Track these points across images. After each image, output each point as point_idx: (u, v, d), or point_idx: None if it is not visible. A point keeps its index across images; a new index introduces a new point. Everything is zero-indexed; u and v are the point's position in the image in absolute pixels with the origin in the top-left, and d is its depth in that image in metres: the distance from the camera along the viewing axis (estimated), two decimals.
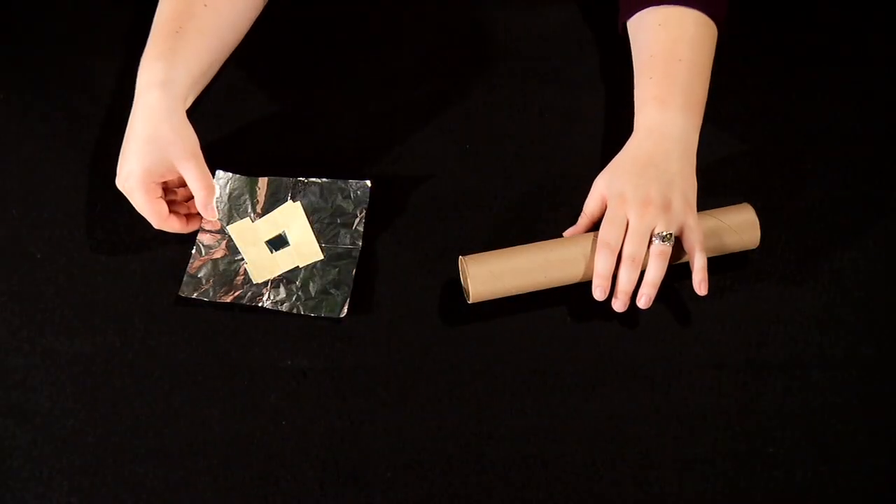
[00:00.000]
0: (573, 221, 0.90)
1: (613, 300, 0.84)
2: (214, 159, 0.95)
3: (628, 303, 0.84)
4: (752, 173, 0.95)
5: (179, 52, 0.85)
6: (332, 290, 0.86)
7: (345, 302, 0.86)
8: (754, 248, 0.88)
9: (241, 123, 0.98)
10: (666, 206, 0.83)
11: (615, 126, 0.96)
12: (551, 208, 0.93)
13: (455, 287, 0.88)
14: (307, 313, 0.85)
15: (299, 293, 0.86)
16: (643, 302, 0.83)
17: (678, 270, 0.88)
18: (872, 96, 1.01)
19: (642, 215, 0.83)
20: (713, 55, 0.91)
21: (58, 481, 0.79)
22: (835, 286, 0.89)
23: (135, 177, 0.83)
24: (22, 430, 0.81)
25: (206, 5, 0.87)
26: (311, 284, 0.86)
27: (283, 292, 0.86)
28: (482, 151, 0.97)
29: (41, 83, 1.01)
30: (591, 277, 0.84)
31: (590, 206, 0.88)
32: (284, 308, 0.85)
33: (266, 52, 1.03)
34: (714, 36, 0.91)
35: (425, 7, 1.07)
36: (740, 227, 0.87)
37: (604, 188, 0.86)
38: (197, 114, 0.92)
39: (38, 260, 0.90)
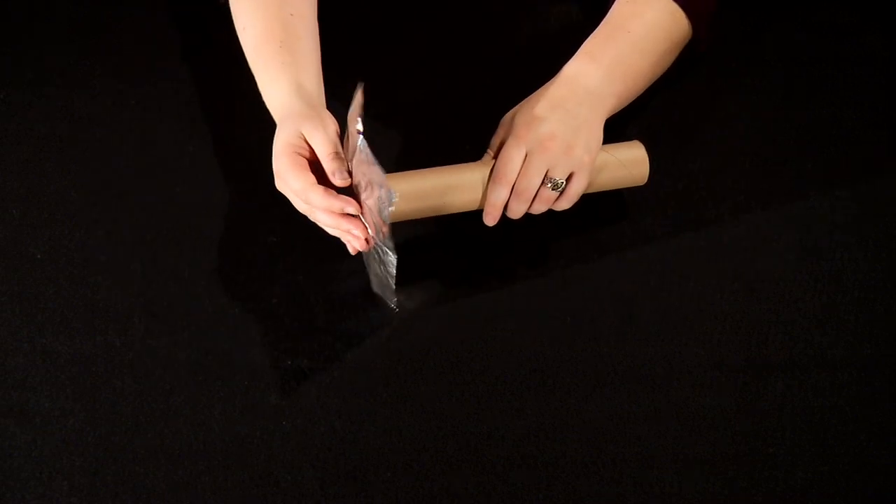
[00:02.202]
0: (575, 222, 0.90)
1: (486, 217, 0.84)
2: (214, 158, 0.96)
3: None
4: (753, 173, 0.95)
5: (293, 63, 0.85)
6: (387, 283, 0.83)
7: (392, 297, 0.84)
8: (643, 184, 0.89)
9: (243, 123, 0.98)
10: (568, 149, 0.82)
11: (615, 126, 0.96)
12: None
13: (455, 287, 0.88)
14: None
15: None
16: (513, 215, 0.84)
17: (678, 270, 0.88)
18: (872, 96, 1.01)
19: (543, 151, 0.81)
20: (670, 45, 0.91)
21: (58, 481, 0.79)
22: (835, 286, 0.89)
23: (276, 152, 0.80)
24: (22, 430, 0.81)
25: (292, 14, 0.88)
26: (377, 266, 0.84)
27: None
28: (482, 152, 0.97)
29: (41, 83, 1.01)
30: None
31: (495, 144, 0.87)
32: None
33: None
34: (679, 29, 0.91)
35: (426, 6, 1.07)
36: (630, 162, 0.87)
37: (508, 123, 0.86)
38: (199, 114, 0.92)
39: (38, 260, 0.90)
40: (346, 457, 0.80)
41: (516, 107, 0.87)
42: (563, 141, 0.82)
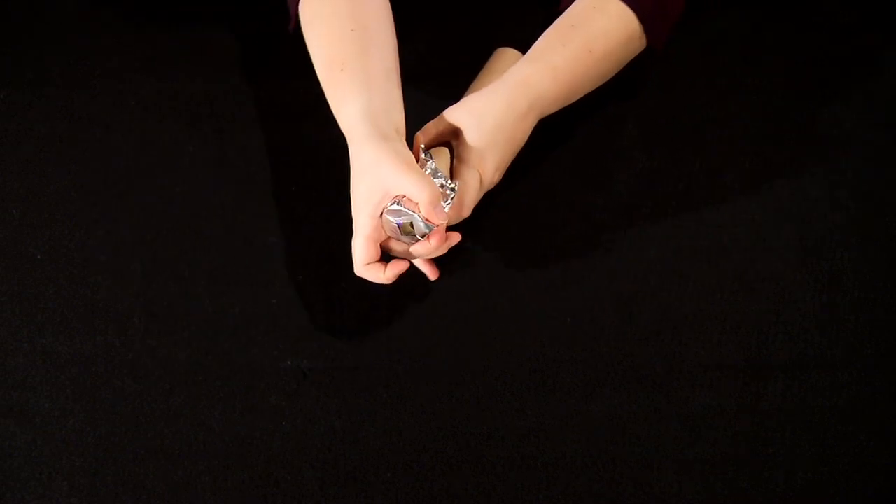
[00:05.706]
0: (575, 222, 0.90)
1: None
2: (214, 158, 0.96)
3: None
4: (753, 173, 0.95)
5: (354, 86, 0.82)
6: None
7: None
8: None
9: (244, 123, 0.98)
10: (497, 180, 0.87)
11: (616, 126, 0.96)
12: (552, 208, 0.93)
13: (456, 286, 0.88)
14: None
15: None
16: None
17: (678, 270, 0.88)
18: (872, 96, 1.01)
19: (488, 184, 0.85)
20: (620, 67, 0.90)
21: (58, 481, 0.79)
22: (835, 286, 0.89)
23: (356, 210, 0.80)
24: (22, 430, 0.81)
25: (352, 30, 0.85)
26: None
27: None
28: None
29: (41, 83, 1.01)
30: None
31: (431, 132, 0.86)
32: None
33: (268, 50, 1.03)
34: (629, 33, 0.88)
35: (426, 6, 1.07)
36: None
37: (453, 120, 0.84)
38: (199, 114, 0.92)
39: (38, 260, 0.90)
40: (346, 457, 0.80)
41: (466, 107, 0.84)
42: (500, 175, 0.86)
